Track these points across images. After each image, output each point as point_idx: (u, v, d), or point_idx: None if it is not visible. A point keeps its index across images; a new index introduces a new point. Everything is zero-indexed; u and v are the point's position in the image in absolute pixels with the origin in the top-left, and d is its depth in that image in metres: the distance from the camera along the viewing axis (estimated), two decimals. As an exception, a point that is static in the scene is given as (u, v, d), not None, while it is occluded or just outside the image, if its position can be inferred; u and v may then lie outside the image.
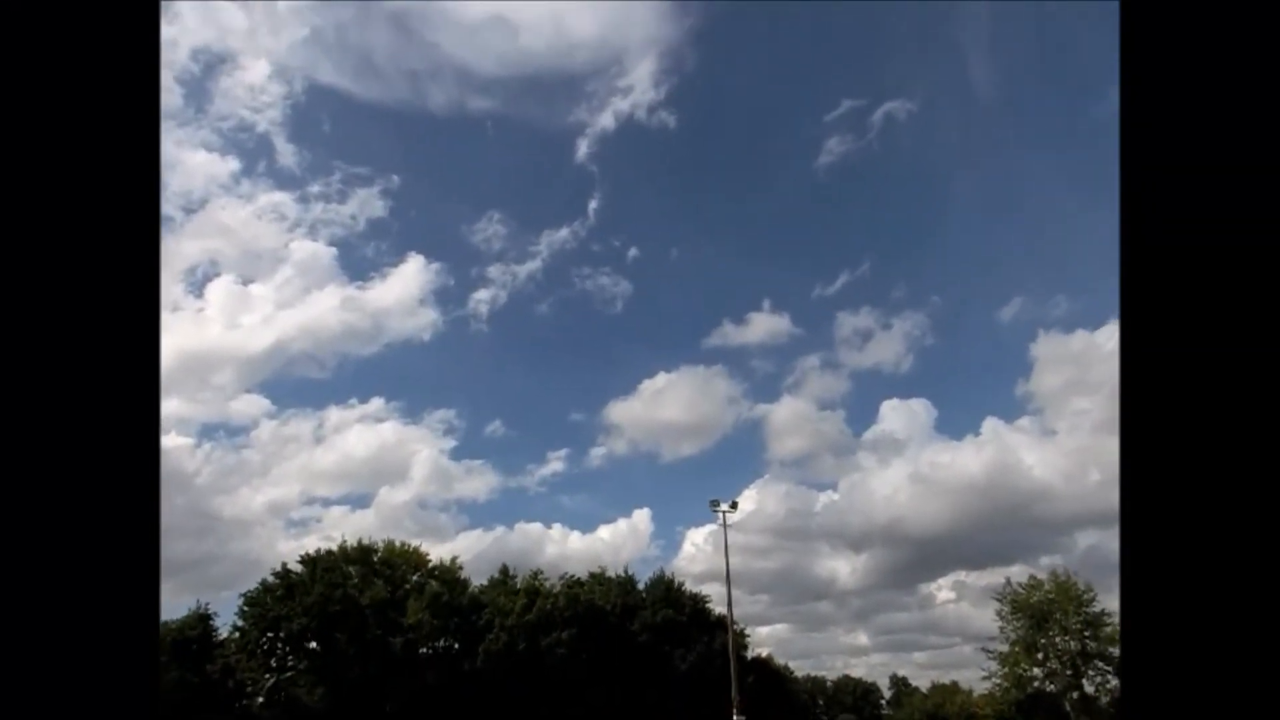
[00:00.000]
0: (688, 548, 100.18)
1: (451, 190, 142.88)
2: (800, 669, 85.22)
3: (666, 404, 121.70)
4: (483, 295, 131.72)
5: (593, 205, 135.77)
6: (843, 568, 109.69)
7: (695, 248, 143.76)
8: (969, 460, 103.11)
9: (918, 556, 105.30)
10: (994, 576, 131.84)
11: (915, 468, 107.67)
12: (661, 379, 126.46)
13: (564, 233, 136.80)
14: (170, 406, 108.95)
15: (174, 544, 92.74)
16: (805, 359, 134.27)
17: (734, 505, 51.11)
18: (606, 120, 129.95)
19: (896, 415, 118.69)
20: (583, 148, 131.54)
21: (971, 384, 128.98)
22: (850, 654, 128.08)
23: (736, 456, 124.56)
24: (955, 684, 61.73)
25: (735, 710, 43.29)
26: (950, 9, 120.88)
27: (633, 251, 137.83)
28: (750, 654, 56.35)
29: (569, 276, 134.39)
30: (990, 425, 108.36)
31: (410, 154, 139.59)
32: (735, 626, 49.17)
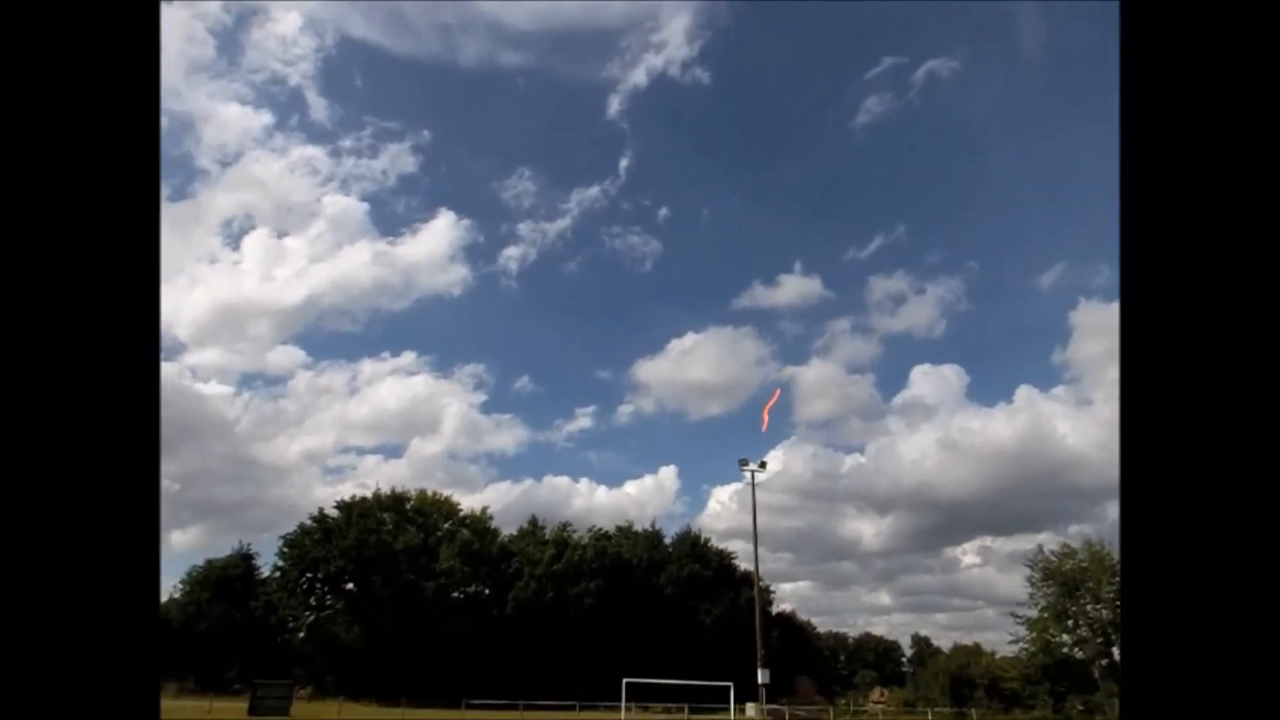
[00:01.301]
0: (713, 505, 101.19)
1: (482, 146, 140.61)
2: (822, 625, 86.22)
3: (694, 364, 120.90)
4: (512, 252, 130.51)
5: (624, 163, 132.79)
6: (867, 529, 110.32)
7: (726, 208, 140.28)
8: (1000, 427, 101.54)
9: (944, 521, 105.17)
10: (1020, 543, 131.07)
11: (945, 433, 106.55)
12: (690, 339, 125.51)
13: (594, 191, 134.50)
14: (210, 356, 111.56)
15: (215, 488, 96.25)
16: (836, 322, 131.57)
17: (763, 465, 51.18)
18: (639, 76, 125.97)
19: (927, 380, 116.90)
20: (614, 104, 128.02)
21: (1006, 351, 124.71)
22: (872, 613, 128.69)
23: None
24: (978, 646, 61.90)
25: (759, 664, 44.08)
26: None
27: (663, 211, 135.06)
28: (774, 610, 57.01)
29: (598, 235, 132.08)
30: (1024, 393, 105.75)
31: (441, 109, 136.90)
32: (761, 583, 49.76)
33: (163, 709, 32.29)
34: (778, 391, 56.82)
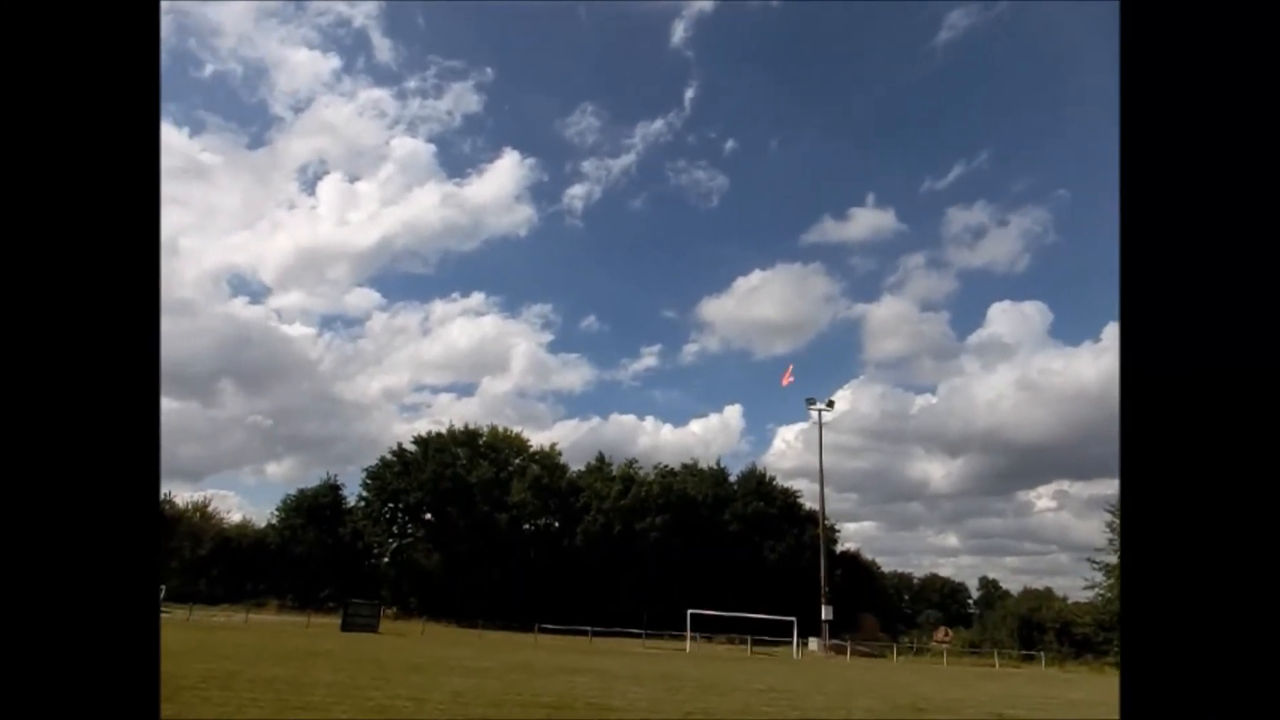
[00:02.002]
0: (778, 444, 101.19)
1: (544, 82, 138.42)
2: (887, 566, 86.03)
3: (761, 302, 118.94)
4: (577, 191, 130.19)
5: (689, 94, 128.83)
6: (936, 471, 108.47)
7: (796, 139, 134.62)
8: (1084, 367, 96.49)
9: (1018, 464, 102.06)
10: (1100, 488, 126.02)
11: (1023, 373, 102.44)
12: (756, 276, 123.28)
13: (659, 124, 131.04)
14: (293, 299, 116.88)
15: (303, 423, 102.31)
16: (910, 257, 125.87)
17: (830, 404, 50.73)
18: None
19: (1006, 318, 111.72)
20: (679, 31, 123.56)
21: (1096, 286, 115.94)
22: (939, 554, 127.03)
23: (831, 356, 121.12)
24: (1049, 590, 60.77)
25: (823, 600, 44.63)
26: None
27: (730, 143, 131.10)
28: (838, 549, 57.23)
29: (663, 171, 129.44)
30: (1113, 331, 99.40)
31: (503, 45, 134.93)
32: (826, 522, 49.89)
33: (265, 624, 35.44)
34: (790, 370, 56.19)
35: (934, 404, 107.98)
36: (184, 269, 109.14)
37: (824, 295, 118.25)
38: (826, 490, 49.50)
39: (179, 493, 77.82)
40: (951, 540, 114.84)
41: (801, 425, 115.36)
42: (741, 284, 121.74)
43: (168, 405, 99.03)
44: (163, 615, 37.17)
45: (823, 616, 43.37)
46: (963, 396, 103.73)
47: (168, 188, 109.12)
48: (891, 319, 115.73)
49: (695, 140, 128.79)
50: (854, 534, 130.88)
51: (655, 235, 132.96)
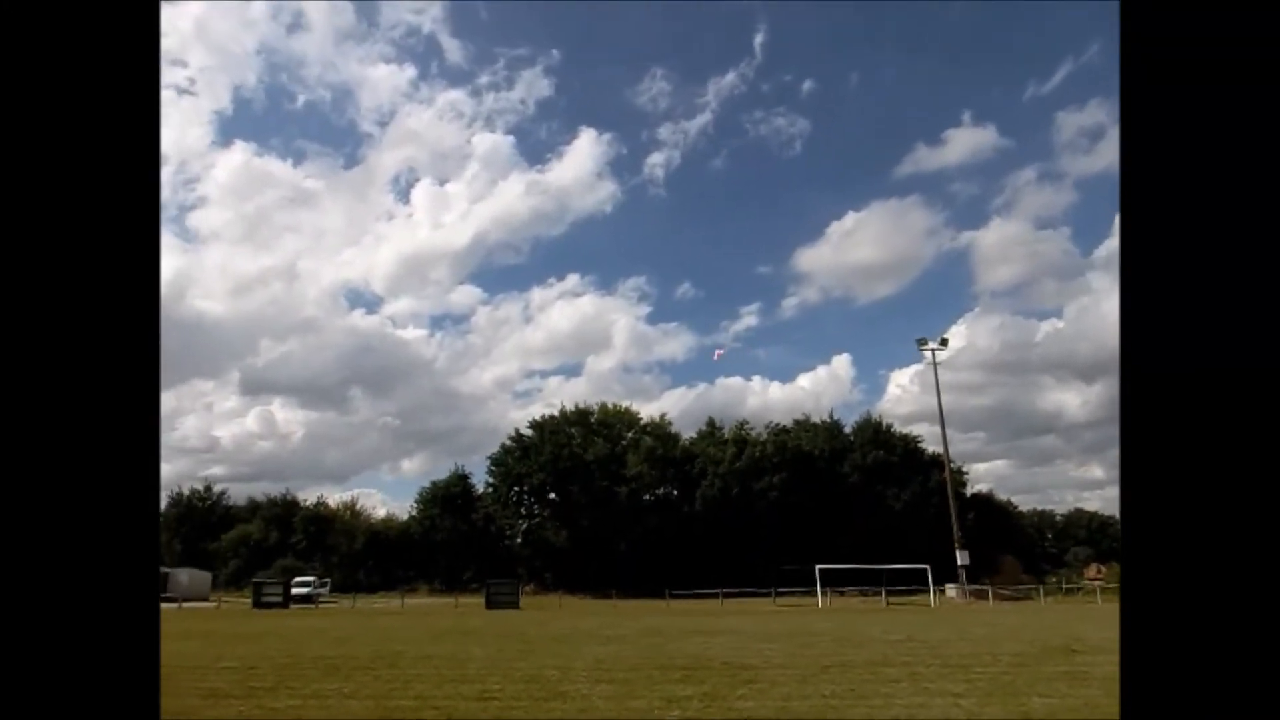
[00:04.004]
0: (892, 390, 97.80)
1: (610, 53, 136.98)
2: (1024, 504, 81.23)
3: (857, 245, 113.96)
4: (656, 159, 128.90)
5: (759, 39, 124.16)
6: (1071, 400, 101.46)
7: (877, 67, 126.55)
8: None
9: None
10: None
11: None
12: (850, 219, 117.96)
13: (731, 77, 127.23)
14: (403, 305, 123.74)
15: (427, 419, 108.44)
16: (1018, 174, 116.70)
17: (944, 342, 48.40)
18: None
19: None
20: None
21: None
22: (1082, 487, 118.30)
23: (940, 292, 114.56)
24: (1216, 515, 55.61)
25: (957, 545, 43.09)
26: None
27: (807, 84, 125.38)
28: (968, 491, 54.86)
29: (740, 125, 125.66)
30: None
31: (564, 23, 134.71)
32: (951, 464, 47.94)
33: (419, 606, 38.29)
34: (720, 352, 53.90)
35: (1061, 328, 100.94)
36: (306, 290, 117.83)
37: (925, 228, 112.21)
38: (949, 431, 47.60)
39: (330, 495, 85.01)
40: (1096, 472, 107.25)
41: (916, 367, 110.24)
42: (835, 229, 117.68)
43: (308, 416, 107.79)
44: (329, 604, 40.98)
45: (958, 562, 41.92)
46: (1093, 316, 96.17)
47: (282, 218, 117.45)
48: (1003, 243, 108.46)
49: (770, 87, 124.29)
50: (984, 474, 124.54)
51: (740, 192, 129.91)
